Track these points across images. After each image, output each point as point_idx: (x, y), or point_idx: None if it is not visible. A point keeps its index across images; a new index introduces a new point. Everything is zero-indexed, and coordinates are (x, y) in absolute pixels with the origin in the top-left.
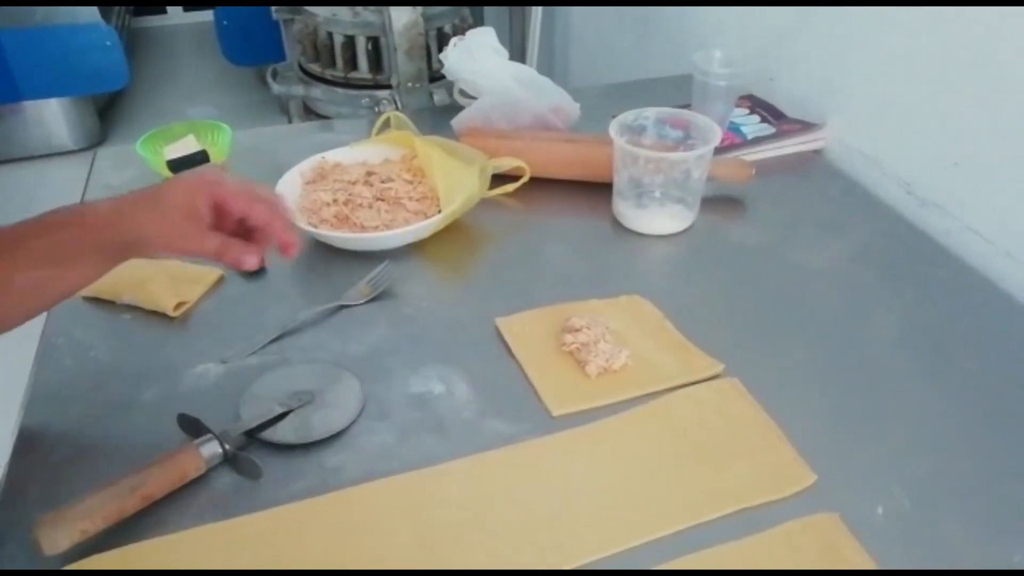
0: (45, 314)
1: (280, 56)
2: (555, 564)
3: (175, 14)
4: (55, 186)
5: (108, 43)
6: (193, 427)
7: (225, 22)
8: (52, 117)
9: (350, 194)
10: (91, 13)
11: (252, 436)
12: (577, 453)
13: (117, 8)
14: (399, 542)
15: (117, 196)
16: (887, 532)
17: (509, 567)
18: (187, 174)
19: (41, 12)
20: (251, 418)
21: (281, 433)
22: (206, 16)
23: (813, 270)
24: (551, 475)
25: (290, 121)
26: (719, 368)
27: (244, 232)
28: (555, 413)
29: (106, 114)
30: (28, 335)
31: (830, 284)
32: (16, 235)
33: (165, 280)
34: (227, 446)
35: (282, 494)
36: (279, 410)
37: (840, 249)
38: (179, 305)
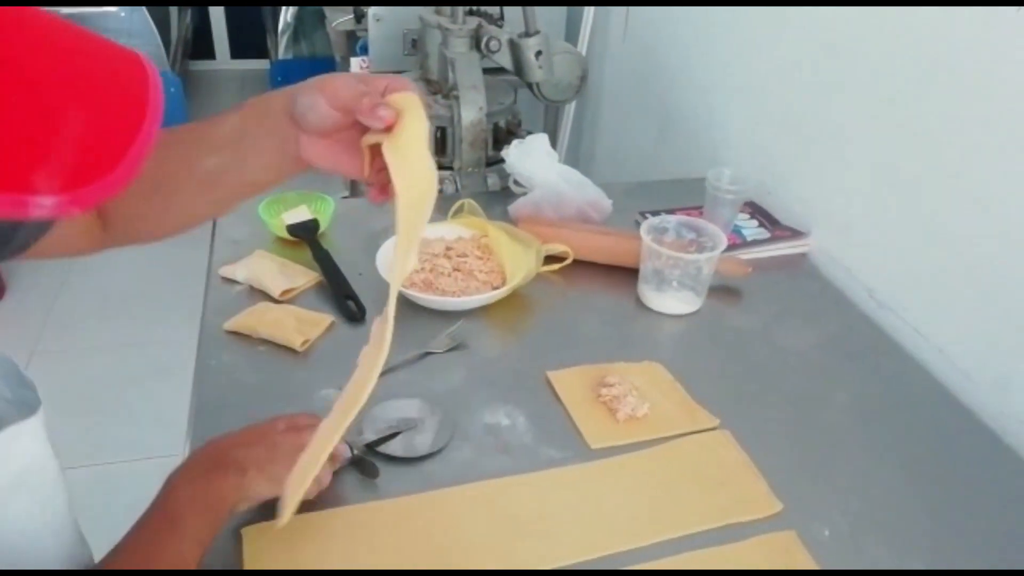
0: (197, 339)
1: None
2: (590, 553)
3: (223, 60)
4: None
5: (172, 89)
6: None
7: (279, 78)
8: None
9: (433, 265)
10: (160, 60)
11: (370, 448)
12: (609, 476)
13: (176, 52)
14: (479, 529)
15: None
16: (830, 547)
17: (559, 552)
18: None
19: None
20: (370, 435)
21: (392, 448)
22: (250, 64)
23: (791, 351)
24: (590, 491)
25: (354, 185)
26: (715, 422)
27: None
28: (593, 446)
29: None
30: (187, 359)
31: (803, 363)
32: (210, 121)
33: (293, 322)
34: (355, 451)
35: (393, 491)
36: (392, 431)
37: (813, 336)
38: (304, 342)
